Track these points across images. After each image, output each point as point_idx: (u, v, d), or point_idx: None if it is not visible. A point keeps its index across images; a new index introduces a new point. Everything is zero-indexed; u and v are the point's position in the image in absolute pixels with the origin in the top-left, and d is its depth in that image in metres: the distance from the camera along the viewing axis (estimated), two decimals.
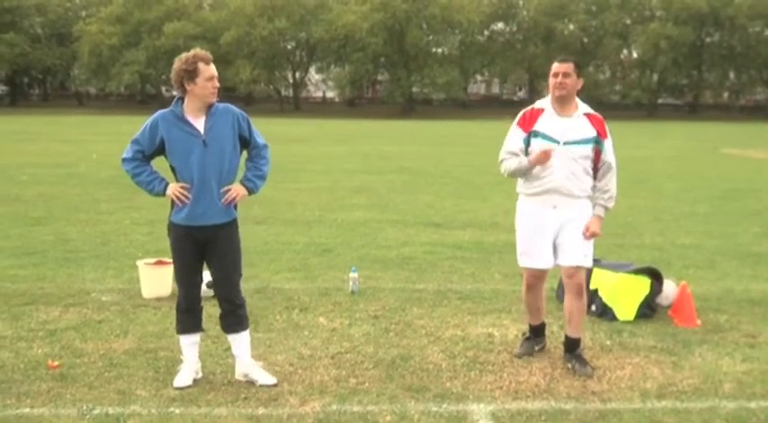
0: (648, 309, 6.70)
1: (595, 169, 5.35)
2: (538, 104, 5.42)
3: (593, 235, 5.34)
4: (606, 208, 5.40)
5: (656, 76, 79.87)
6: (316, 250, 9.42)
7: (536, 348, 5.67)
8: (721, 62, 78.94)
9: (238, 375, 5.12)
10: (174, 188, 4.85)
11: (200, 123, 4.82)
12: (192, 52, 4.81)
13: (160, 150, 4.87)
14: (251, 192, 5.01)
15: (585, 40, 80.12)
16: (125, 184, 15.68)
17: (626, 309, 6.60)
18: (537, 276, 5.56)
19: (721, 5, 74.13)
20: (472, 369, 5.38)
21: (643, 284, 6.74)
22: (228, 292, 5.06)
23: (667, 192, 16.16)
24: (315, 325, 6.36)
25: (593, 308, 6.69)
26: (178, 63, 4.77)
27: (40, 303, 6.84)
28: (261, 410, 4.61)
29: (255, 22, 73.63)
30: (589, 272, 6.87)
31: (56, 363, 5.31)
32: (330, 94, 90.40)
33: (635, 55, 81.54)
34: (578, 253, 5.33)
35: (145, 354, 5.59)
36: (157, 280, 7.13)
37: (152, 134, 4.84)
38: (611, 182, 5.38)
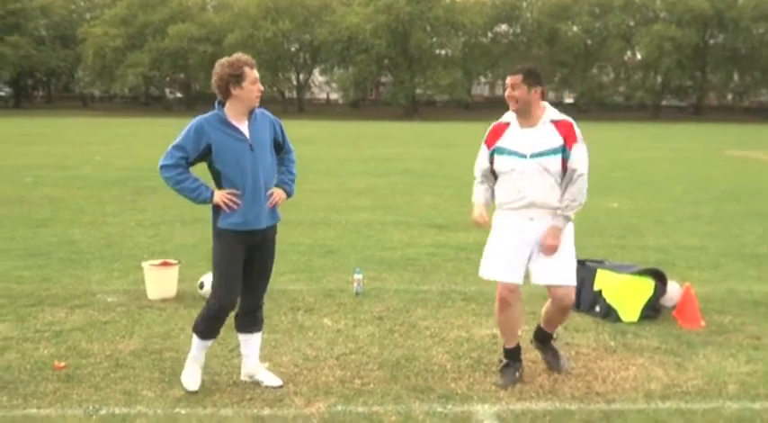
0: (652, 310, 6.70)
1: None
2: (504, 118, 5.22)
3: (550, 248, 4.99)
4: (566, 218, 5.02)
5: (659, 78, 79.75)
6: (320, 251, 9.43)
7: (517, 374, 5.22)
8: (725, 64, 78.79)
9: (244, 376, 5.14)
10: (221, 195, 4.78)
11: (244, 128, 4.82)
12: (234, 57, 4.81)
13: (203, 157, 4.79)
14: (289, 195, 5.09)
15: (589, 41, 80.00)
16: (130, 185, 15.77)
17: (630, 310, 6.61)
18: (511, 290, 5.12)
19: (725, 7, 74.05)
20: (477, 370, 5.40)
21: (647, 286, 6.74)
22: (261, 294, 5.09)
23: (671, 193, 16.14)
24: (319, 326, 6.37)
25: (597, 309, 6.70)
26: (221, 68, 4.74)
27: (46, 304, 6.87)
28: (266, 411, 4.63)
29: (259, 23, 73.68)
30: (593, 273, 6.89)
31: (62, 363, 5.34)
32: (334, 96, 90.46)
33: (639, 56, 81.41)
34: (563, 273, 5.07)
35: (150, 355, 5.61)
36: (162, 281, 7.16)
37: (197, 140, 4.75)
38: (578, 190, 4.98)
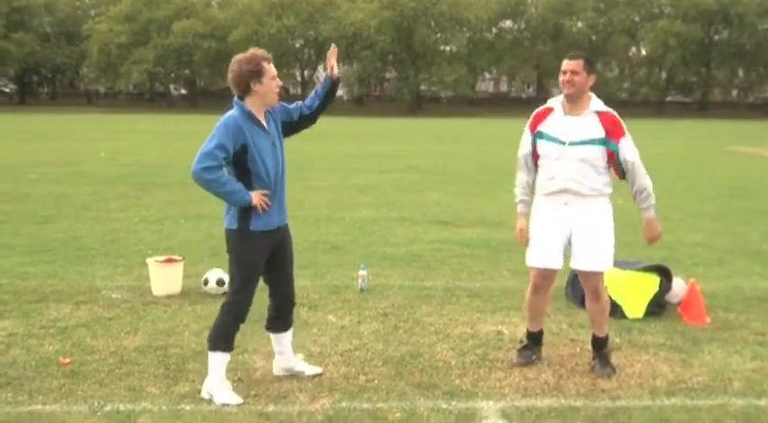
0: (657, 306, 6.69)
1: (619, 171, 5.18)
2: (549, 103, 5.34)
3: (654, 239, 5.36)
4: (651, 206, 5.24)
5: (664, 74, 79.67)
6: (324, 248, 9.43)
7: (533, 358, 5.45)
8: (730, 59, 78.66)
9: (279, 371, 5.13)
10: (257, 196, 4.68)
11: (265, 125, 4.76)
12: (250, 52, 4.70)
13: (235, 157, 4.63)
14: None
15: (594, 37, 79.94)
16: (134, 182, 15.79)
17: (635, 306, 6.60)
18: (545, 277, 5.37)
19: (730, 3, 73.88)
20: (481, 366, 5.39)
21: (652, 282, 6.73)
22: (292, 290, 5.09)
23: (676, 190, 16.10)
24: (324, 322, 6.37)
25: None
26: (239, 65, 4.64)
27: (51, 301, 6.87)
28: (271, 407, 4.63)
29: (264, 20, 73.74)
30: None
31: (67, 360, 5.34)
32: (338, 92, 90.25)
33: (643, 52, 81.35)
34: (595, 258, 5.21)
35: (155, 351, 5.60)
36: (167, 277, 7.16)
37: (236, 139, 4.59)
38: (641, 179, 5.18)
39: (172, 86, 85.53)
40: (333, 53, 5.01)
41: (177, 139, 30.70)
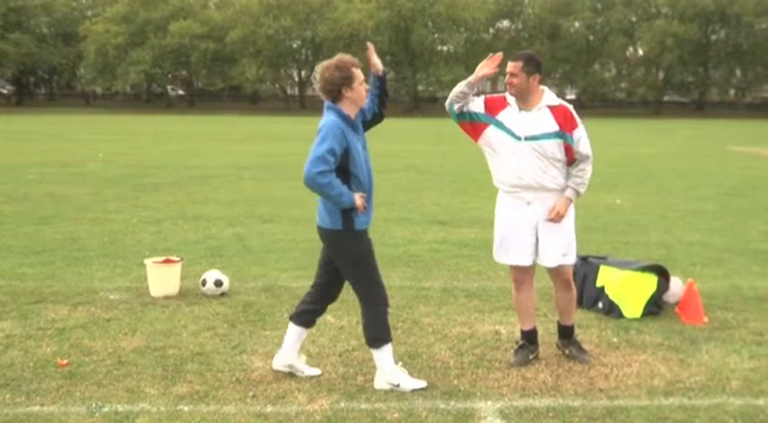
0: (655, 306, 6.69)
1: (570, 162, 5.27)
2: (507, 96, 5.44)
3: (557, 215, 5.23)
4: (577, 192, 5.27)
5: (661, 74, 79.67)
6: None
7: (530, 357, 5.49)
8: (728, 59, 78.66)
9: (280, 366, 5.18)
10: (359, 198, 4.82)
11: (359, 127, 4.95)
12: (338, 59, 4.87)
13: (339, 160, 4.77)
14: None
15: (591, 37, 79.93)
16: (132, 182, 15.78)
17: (633, 306, 6.60)
18: (523, 271, 5.46)
19: (727, 2, 73.85)
20: (479, 366, 5.39)
21: (650, 282, 6.73)
22: (340, 291, 5.19)
23: (674, 189, 16.12)
24: (322, 323, 6.34)
25: (600, 305, 6.69)
26: (330, 71, 4.80)
27: (49, 302, 6.87)
28: (269, 408, 4.63)
29: (261, 20, 73.64)
30: (596, 269, 6.88)
31: (65, 361, 5.34)
32: None
33: (641, 52, 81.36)
34: (558, 254, 5.33)
35: (153, 352, 5.60)
36: (165, 278, 7.15)
37: (341, 144, 4.73)
38: (584, 170, 5.28)
39: (169, 87, 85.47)
40: (371, 51, 5.15)
41: (175, 140, 30.69)
